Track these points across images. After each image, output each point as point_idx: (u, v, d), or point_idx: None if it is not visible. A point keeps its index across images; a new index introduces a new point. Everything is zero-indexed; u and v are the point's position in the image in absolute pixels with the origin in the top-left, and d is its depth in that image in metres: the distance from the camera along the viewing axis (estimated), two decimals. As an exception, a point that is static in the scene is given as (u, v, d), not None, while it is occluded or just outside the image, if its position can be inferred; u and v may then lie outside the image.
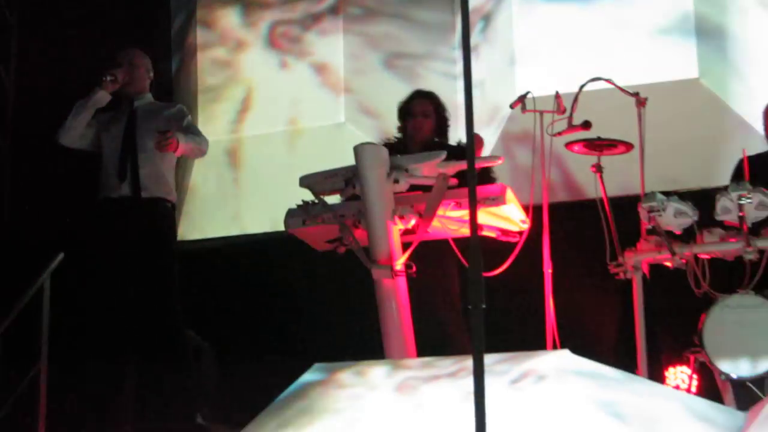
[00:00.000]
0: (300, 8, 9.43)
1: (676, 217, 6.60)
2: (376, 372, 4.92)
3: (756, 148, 7.22)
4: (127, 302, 7.00)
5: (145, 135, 7.07)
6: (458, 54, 8.84)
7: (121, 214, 7.02)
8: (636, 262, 6.73)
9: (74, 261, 7.37)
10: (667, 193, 6.64)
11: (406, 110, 7.36)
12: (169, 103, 7.74)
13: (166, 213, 7.18)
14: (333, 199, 6.26)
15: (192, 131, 7.23)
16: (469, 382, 4.21)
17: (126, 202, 7.01)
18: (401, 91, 7.64)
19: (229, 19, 9.62)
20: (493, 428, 3.59)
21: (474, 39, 8.93)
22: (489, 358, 4.48)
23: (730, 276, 6.64)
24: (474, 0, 8.95)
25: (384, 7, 9.33)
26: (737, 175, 6.99)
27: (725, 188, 6.58)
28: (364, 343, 6.10)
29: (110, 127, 7.17)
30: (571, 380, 4.52)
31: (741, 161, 7.06)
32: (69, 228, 8.20)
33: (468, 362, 4.58)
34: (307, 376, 4.97)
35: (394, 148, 6.70)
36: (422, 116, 7.26)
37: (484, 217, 6.10)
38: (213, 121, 9.20)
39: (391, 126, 7.77)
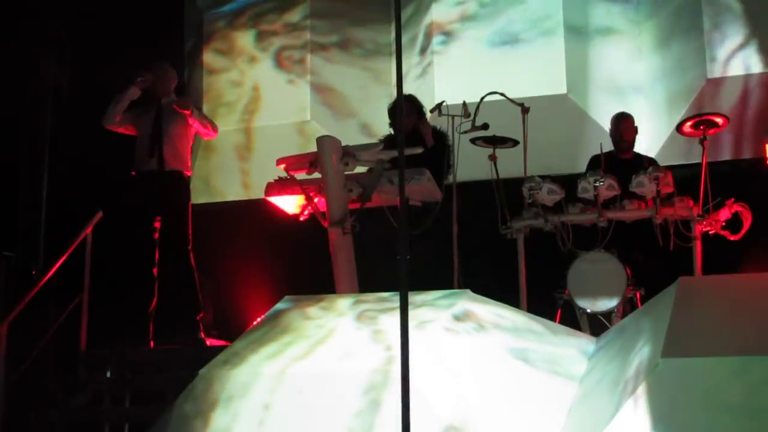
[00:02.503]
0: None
1: (549, 194, 6.62)
2: (340, 304, 4.81)
3: (606, 146, 7.24)
4: (151, 245, 7.06)
5: (169, 124, 7.12)
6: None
7: (150, 181, 7.07)
8: (519, 226, 6.73)
9: (111, 218, 7.30)
10: (542, 177, 6.64)
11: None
12: None
13: (183, 181, 7.20)
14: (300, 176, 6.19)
15: (204, 115, 7.40)
16: (416, 313, 4.22)
17: (154, 173, 7.06)
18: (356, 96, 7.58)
19: (243, 42, 9.49)
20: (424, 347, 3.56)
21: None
22: (415, 296, 4.45)
23: (587, 238, 6.65)
24: (439, 16, 8.83)
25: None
26: (592, 165, 7.00)
27: (585, 174, 6.59)
28: (321, 282, 6.04)
29: (143, 117, 7.19)
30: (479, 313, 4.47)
31: (596, 155, 7.08)
32: (106, 193, 8.11)
33: (413, 298, 4.55)
34: (280, 305, 4.90)
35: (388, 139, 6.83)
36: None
37: (410, 190, 6.07)
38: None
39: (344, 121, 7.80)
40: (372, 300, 4.80)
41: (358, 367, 4.06)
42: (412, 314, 4.30)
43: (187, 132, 7.19)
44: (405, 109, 6.99)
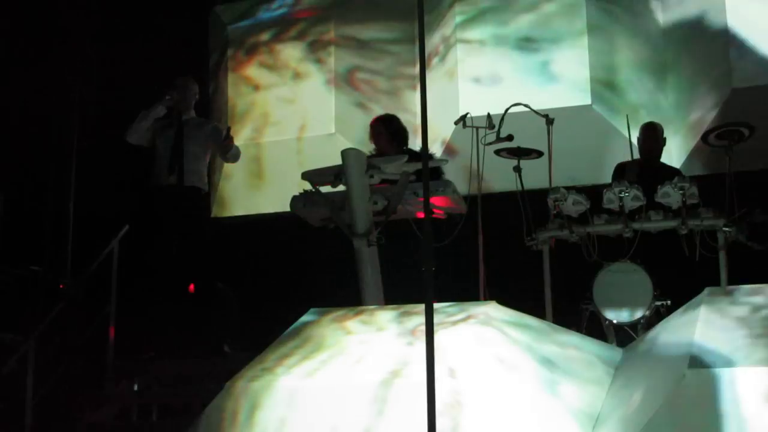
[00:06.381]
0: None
1: (574, 205, 6.60)
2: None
3: (629, 156, 7.24)
4: (171, 259, 7.07)
5: (189, 141, 7.13)
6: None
7: (169, 196, 7.05)
8: (545, 238, 6.72)
9: (137, 232, 7.36)
10: (567, 188, 6.63)
11: None
12: (206, 120, 7.85)
13: (201, 197, 7.26)
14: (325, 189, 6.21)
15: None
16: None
17: (173, 188, 7.05)
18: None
19: (267, 54, 9.51)
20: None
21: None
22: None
23: (612, 249, 6.64)
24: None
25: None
26: (617, 175, 6.98)
27: (610, 185, 6.58)
28: (345, 294, 6.06)
29: (164, 133, 7.18)
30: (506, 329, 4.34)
31: (618, 165, 7.07)
32: (133, 207, 8.17)
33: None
34: (306, 318, 4.89)
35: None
36: (374, 133, 7.20)
37: (434, 202, 6.08)
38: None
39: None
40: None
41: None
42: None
43: (206, 149, 7.24)
44: (377, 129, 7.16)
